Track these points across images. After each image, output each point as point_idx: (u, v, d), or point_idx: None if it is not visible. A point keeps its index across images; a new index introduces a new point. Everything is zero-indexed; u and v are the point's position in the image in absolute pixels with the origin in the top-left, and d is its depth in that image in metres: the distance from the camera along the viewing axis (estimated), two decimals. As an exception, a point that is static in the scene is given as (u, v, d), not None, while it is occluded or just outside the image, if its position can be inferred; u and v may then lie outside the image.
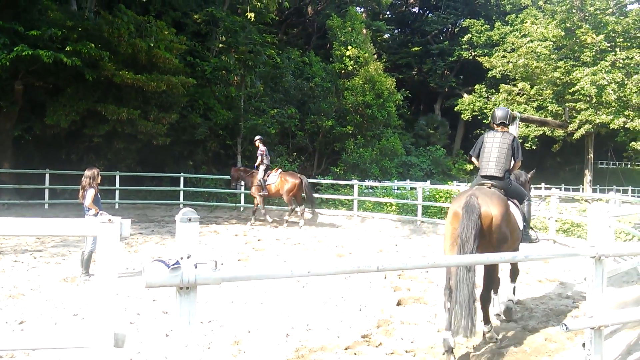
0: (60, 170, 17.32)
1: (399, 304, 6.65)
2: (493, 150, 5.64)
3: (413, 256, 10.37)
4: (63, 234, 2.53)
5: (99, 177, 7.77)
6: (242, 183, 15.83)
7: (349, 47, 22.52)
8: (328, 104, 22.70)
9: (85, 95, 17.09)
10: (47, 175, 16.72)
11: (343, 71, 22.85)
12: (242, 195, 18.22)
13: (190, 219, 2.49)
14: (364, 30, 24.40)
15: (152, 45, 17.74)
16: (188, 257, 2.48)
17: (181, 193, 18.37)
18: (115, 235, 2.34)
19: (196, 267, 2.49)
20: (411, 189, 19.44)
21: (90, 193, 7.52)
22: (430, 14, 41.40)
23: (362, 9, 33.68)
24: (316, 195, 17.80)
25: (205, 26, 26.22)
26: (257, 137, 15.11)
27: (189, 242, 2.50)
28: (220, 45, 22.38)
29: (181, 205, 18.11)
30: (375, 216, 16.08)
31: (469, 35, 34.36)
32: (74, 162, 18.77)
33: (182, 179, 18.40)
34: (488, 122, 29.90)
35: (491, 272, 5.23)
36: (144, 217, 15.50)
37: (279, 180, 14.25)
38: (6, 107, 16.06)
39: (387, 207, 16.39)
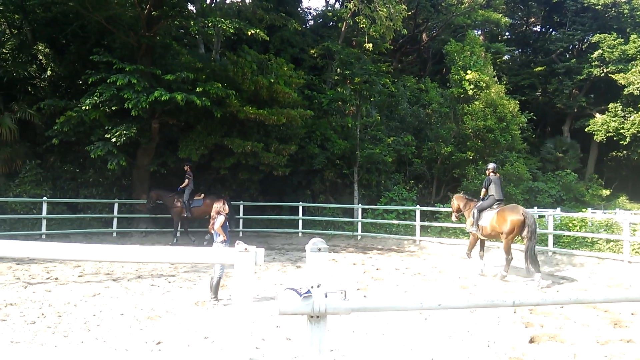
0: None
1: (531, 341, 6.14)
2: (497, 186, 11.24)
3: (549, 291, 9.58)
4: (203, 261, 2.65)
5: (226, 206, 8.27)
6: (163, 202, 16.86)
7: (468, 71, 21.92)
8: (446, 130, 22.15)
9: (213, 130, 18.35)
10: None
11: (462, 96, 22.24)
12: (360, 224, 18.25)
13: (320, 249, 2.50)
14: (483, 53, 23.62)
15: (272, 81, 18.67)
16: (318, 286, 2.47)
17: (300, 222, 18.85)
18: (251, 264, 2.40)
19: (326, 297, 2.47)
20: (540, 216, 18.12)
21: (220, 220, 8.02)
22: (554, 32, 39.17)
23: (480, 32, 32.78)
24: (435, 224, 17.31)
25: (321, 60, 27.16)
26: (187, 163, 16.68)
27: (319, 271, 2.49)
28: (336, 77, 22.96)
29: (300, 234, 18.58)
30: (500, 246, 15.17)
31: (600, 51, 31.84)
32: (202, 192, 20.12)
33: (300, 208, 18.91)
34: (626, 143, 27.18)
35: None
36: (265, 244, 16.07)
37: (204, 204, 15.92)
38: (145, 144, 17.74)
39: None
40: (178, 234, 16.33)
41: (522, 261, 10.76)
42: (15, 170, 17.14)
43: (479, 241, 11.81)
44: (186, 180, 16.32)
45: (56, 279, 9.59)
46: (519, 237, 10.82)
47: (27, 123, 17.52)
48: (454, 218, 12.86)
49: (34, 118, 17.36)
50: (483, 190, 11.43)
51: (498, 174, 11.59)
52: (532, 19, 40.68)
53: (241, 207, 18.67)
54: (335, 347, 5.70)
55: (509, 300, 3.07)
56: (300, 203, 19.08)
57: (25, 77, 18.50)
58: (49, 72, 19.41)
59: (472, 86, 22.02)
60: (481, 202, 11.35)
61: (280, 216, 19.77)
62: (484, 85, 22.04)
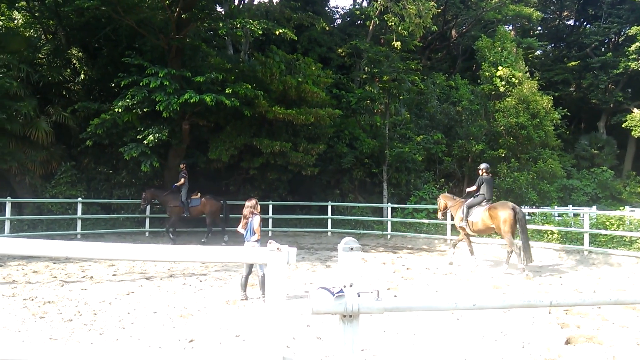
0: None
1: (567, 342, 5.97)
2: (489, 185, 11.84)
3: (586, 291, 9.32)
4: (237, 261, 2.65)
5: (258, 206, 8.32)
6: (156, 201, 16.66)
7: (500, 68, 21.51)
8: (477, 127, 21.79)
9: (242, 131, 18.51)
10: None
11: (493, 92, 21.85)
12: (389, 224, 18.12)
13: (352, 248, 2.47)
14: (514, 49, 23.14)
15: (300, 80, 18.72)
16: (351, 286, 2.44)
17: (329, 221, 18.84)
18: (283, 263, 2.39)
19: (359, 296, 2.44)
20: (574, 215, 17.67)
21: (258, 220, 8.09)
22: (588, 25, 38.10)
23: (511, 27, 32.16)
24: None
25: (349, 59, 27.10)
26: (182, 162, 16.55)
27: (352, 271, 2.46)
28: (364, 75, 22.87)
29: (329, 233, 18.57)
30: (534, 245, 14.86)
31: (638, 44, 30.85)
32: (232, 192, 20.33)
33: (329, 207, 18.89)
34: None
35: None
36: (294, 244, 16.10)
37: (201, 203, 15.91)
38: (176, 145, 18.01)
39: (548, 236, 15.04)
40: (171, 235, 15.94)
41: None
42: (51, 172, 17.63)
43: (471, 238, 12.55)
44: (182, 179, 15.94)
45: (91, 277, 9.81)
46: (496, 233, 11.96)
47: (62, 126, 18.00)
48: (439, 216, 13.56)
49: (69, 121, 17.81)
50: (475, 187, 12.02)
51: (490, 174, 12.22)
52: (566, 13, 39.69)
53: (270, 207, 18.76)
54: (366, 346, 5.66)
55: (546, 300, 2.98)
56: (329, 202, 19.06)
57: (60, 81, 19.00)
58: (82, 76, 19.90)
59: (503, 82, 21.63)
60: (471, 199, 11.97)
61: (309, 215, 19.80)
62: (516, 81, 21.61)
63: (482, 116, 22.62)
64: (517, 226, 11.01)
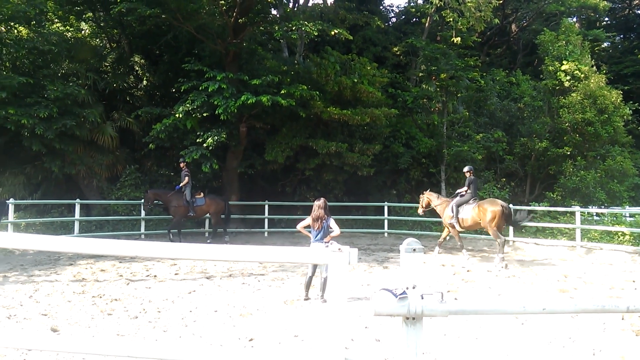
0: (277, 201, 19.13)
1: (645, 351, 5.61)
2: (474, 185, 12.76)
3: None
4: (299, 261, 2.64)
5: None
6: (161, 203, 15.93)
7: (564, 62, 20.55)
8: (540, 124, 20.90)
9: (298, 132, 18.64)
10: (266, 207, 18.52)
11: (557, 88, 20.90)
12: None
13: (414, 249, 2.40)
14: (580, 42, 22.06)
15: (356, 81, 18.66)
16: (414, 288, 2.36)
17: (385, 222, 18.64)
18: (345, 263, 2.35)
19: (422, 298, 2.35)
20: (648, 215, 16.62)
21: (333, 222, 8.13)
22: (660, 14, 35.96)
23: (576, 19, 30.74)
24: (531, 224, 16.44)
25: (404, 57, 26.77)
26: (181, 160, 15.84)
27: (414, 272, 2.39)
28: (421, 74, 22.51)
29: (385, 234, 18.38)
30: (603, 247, 14.11)
31: None
32: (288, 194, 20.52)
33: (386, 208, 18.68)
34: None
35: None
36: (351, 245, 15.97)
37: (206, 202, 15.53)
38: (234, 147, 18.38)
39: (619, 237, 14.23)
40: (171, 235, 15.35)
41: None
42: (116, 175, 18.42)
43: (454, 234, 13.20)
44: (186, 178, 15.37)
45: (155, 276, 10.13)
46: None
47: (127, 131, 18.77)
48: (420, 212, 14.22)
49: (133, 126, 18.56)
50: (465, 188, 12.83)
51: (474, 175, 13.07)
52: (636, 1, 37.51)
53: (326, 207, 18.73)
54: (427, 349, 5.52)
55: (622, 305, 2.79)
56: (386, 203, 18.85)
57: (124, 87, 19.84)
58: (144, 82, 20.69)
59: (568, 77, 20.66)
60: (458, 198, 12.82)
61: (366, 216, 19.65)
62: (582, 75, 20.58)
63: (545, 113, 21.70)
64: (505, 221, 12.37)
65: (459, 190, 13.07)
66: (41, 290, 8.63)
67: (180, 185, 15.42)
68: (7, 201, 13.61)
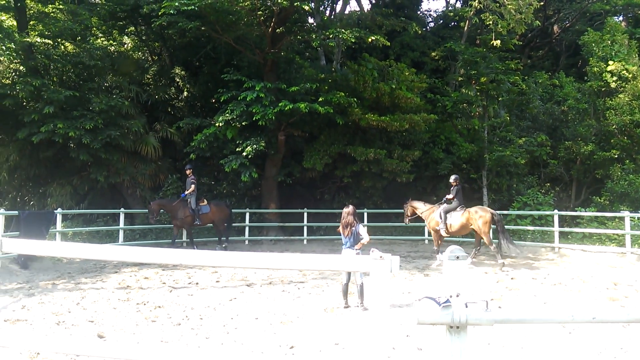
0: (315, 209, 19.16)
1: None
2: (460, 193, 13.43)
3: None
4: (340, 269, 2.62)
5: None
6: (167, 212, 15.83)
7: (610, 62, 19.84)
8: (585, 127, 20.21)
9: (336, 139, 18.65)
10: (305, 214, 18.57)
11: (603, 89, 20.20)
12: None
13: (458, 257, 2.34)
14: (627, 41, 21.26)
15: (394, 87, 18.55)
16: (457, 296, 2.30)
17: (425, 229, 18.36)
18: (386, 271, 2.32)
19: (467, 307, 2.29)
20: None
21: (364, 229, 8.15)
22: None
23: (622, 17, 29.65)
24: (577, 230, 15.90)
25: (443, 62, 26.44)
26: (188, 166, 15.44)
27: (458, 281, 2.33)
28: (460, 78, 22.17)
29: (426, 241, 18.12)
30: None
31: None
32: (327, 201, 20.52)
33: (426, 215, 18.40)
34: None
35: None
36: (390, 252, 15.77)
37: (211, 210, 15.34)
38: (272, 156, 18.55)
39: (673, 244, 13.59)
40: (195, 246, 15.60)
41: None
42: (159, 184, 18.86)
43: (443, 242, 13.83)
44: (192, 186, 14.98)
45: (197, 283, 10.29)
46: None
47: (168, 141, 19.22)
48: (406, 221, 14.81)
49: (174, 136, 19.00)
50: (451, 195, 13.37)
51: (460, 184, 13.65)
52: (686, -2, 35.94)
53: (365, 214, 18.66)
54: (471, 359, 5.38)
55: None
56: (426, 210, 18.56)
57: (166, 99, 20.36)
58: (185, 93, 21.16)
59: (614, 78, 19.93)
60: (445, 205, 13.43)
61: (405, 223, 19.38)
62: (630, 75, 19.82)
63: (591, 115, 20.98)
64: (496, 227, 12.93)
65: (448, 197, 13.61)
66: (88, 297, 8.90)
67: (186, 193, 15.06)
68: (55, 211, 14.11)
